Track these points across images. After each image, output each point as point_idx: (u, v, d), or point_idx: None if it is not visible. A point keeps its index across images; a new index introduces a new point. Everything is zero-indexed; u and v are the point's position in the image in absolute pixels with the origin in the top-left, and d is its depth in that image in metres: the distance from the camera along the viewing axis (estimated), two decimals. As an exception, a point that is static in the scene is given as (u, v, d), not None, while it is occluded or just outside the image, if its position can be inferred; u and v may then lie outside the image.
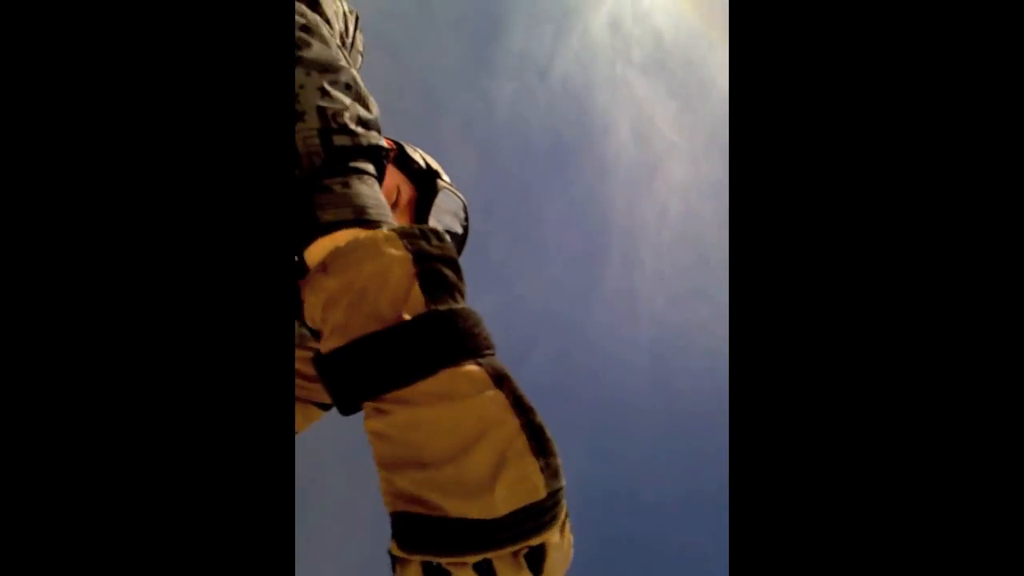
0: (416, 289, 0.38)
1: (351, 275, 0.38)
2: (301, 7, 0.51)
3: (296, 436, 0.50)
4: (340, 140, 0.43)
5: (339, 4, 0.64)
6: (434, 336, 0.37)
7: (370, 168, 0.45)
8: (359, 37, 0.71)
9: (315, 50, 0.47)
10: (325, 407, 0.50)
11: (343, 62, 0.48)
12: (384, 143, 0.47)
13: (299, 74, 0.44)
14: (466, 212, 0.79)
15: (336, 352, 0.38)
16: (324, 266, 0.39)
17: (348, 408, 0.39)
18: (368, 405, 0.38)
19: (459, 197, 0.78)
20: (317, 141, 0.42)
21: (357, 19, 0.70)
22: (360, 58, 0.73)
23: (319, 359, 0.40)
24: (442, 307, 0.38)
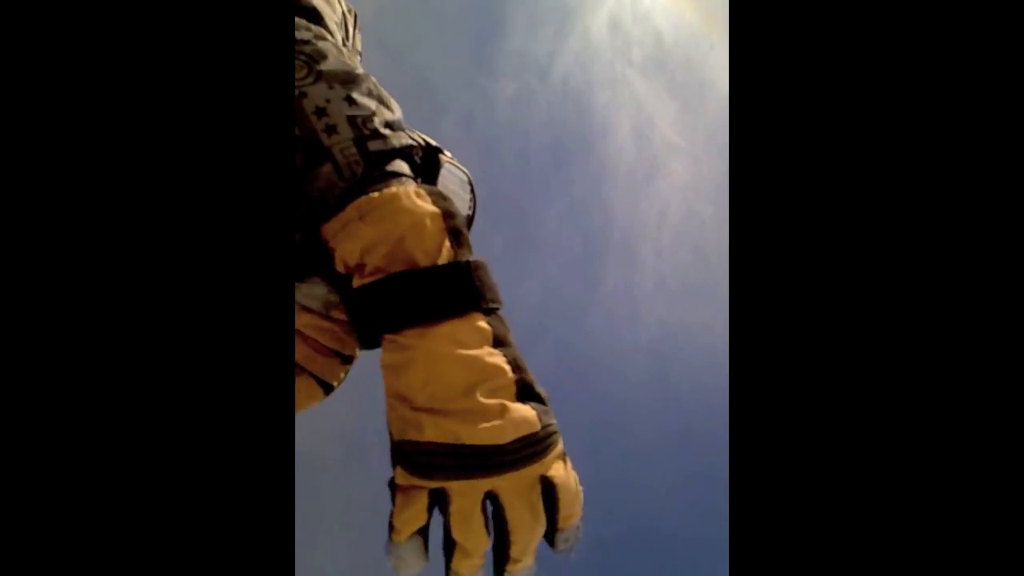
0: (447, 242, 0.43)
1: (389, 225, 0.42)
2: (303, 21, 0.51)
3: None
4: (375, 145, 0.45)
5: (339, 5, 0.63)
6: (459, 283, 0.42)
7: (405, 168, 0.48)
8: (358, 37, 0.71)
9: (331, 62, 0.48)
10: (328, 389, 0.51)
11: (360, 69, 0.50)
12: (412, 140, 0.50)
13: (322, 89, 0.46)
14: (472, 185, 0.80)
15: (371, 285, 0.42)
16: (361, 215, 0.43)
17: (370, 340, 0.44)
18: (388, 338, 0.42)
19: (463, 171, 0.79)
20: (355, 150, 0.45)
21: (356, 18, 0.70)
22: (359, 58, 0.73)
23: (351, 293, 0.44)
24: (464, 260, 0.43)
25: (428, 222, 0.43)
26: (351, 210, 0.44)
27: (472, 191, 0.80)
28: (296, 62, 0.46)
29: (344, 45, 0.63)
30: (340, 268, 0.45)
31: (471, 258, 0.43)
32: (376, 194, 0.43)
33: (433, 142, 0.79)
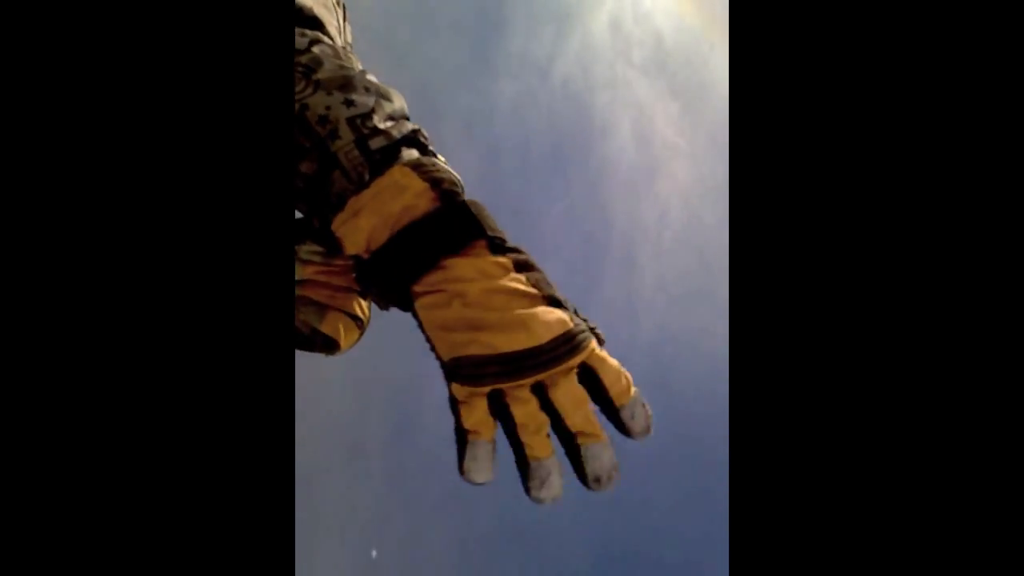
0: (435, 196, 0.46)
1: (384, 214, 0.45)
2: (299, 28, 0.52)
3: (342, 352, 0.53)
4: (376, 143, 0.46)
5: (336, 9, 0.64)
6: (460, 218, 0.45)
7: (414, 154, 0.48)
8: (348, 29, 0.72)
9: (327, 68, 0.49)
10: (359, 322, 0.54)
11: (357, 67, 0.50)
12: (416, 126, 0.51)
13: (322, 97, 0.47)
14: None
15: (380, 249, 0.45)
16: (356, 212, 0.45)
17: (402, 299, 0.46)
18: (417, 290, 0.45)
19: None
20: (357, 152, 0.46)
21: (344, 9, 0.71)
22: (353, 52, 0.73)
23: (363, 266, 0.47)
24: (458, 201, 0.46)
25: (420, 202, 0.45)
26: (348, 208, 0.46)
27: None
28: (294, 74, 0.47)
29: (345, 47, 0.63)
30: (351, 254, 0.48)
31: (466, 199, 0.46)
32: (368, 189, 0.46)
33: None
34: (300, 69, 0.48)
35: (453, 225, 0.45)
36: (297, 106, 0.46)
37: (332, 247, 0.49)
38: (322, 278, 0.50)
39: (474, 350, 0.42)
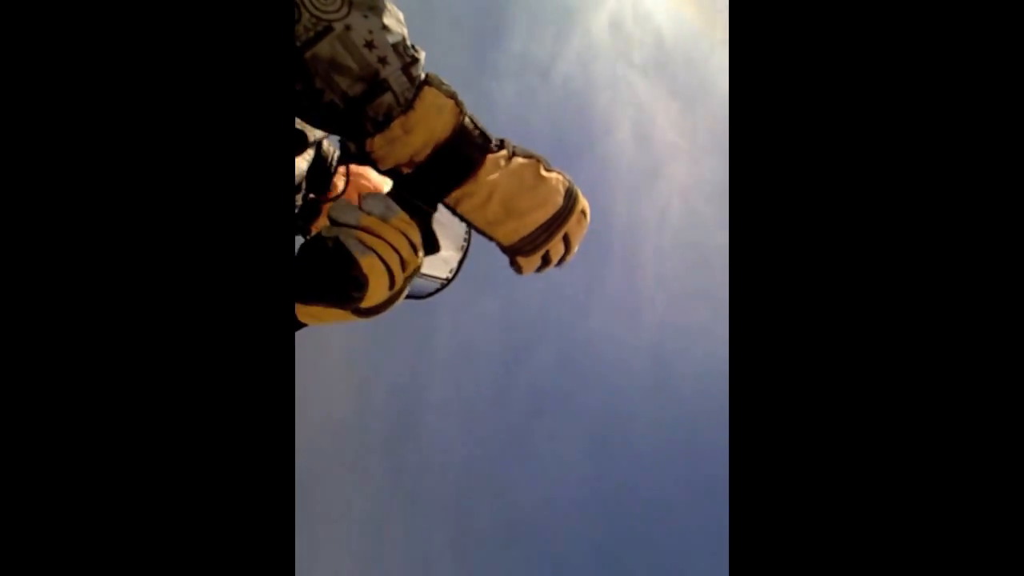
0: (465, 122, 0.57)
1: (427, 131, 0.56)
2: None
3: (365, 299, 0.60)
4: (415, 70, 0.56)
5: None
6: (480, 133, 0.58)
7: (426, 74, 0.58)
8: None
9: None
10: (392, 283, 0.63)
11: None
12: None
13: (359, 19, 0.53)
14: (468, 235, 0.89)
15: (424, 163, 0.57)
16: (406, 131, 0.55)
17: (437, 196, 0.59)
18: (456, 195, 0.59)
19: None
20: (404, 79, 0.54)
21: None
22: None
23: (404, 178, 0.58)
24: (469, 123, 0.58)
25: (451, 117, 0.57)
26: (396, 127, 0.56)
27: (468, 240, 0.87)
28: None
29: None
30: (388, 166, 0.58)
31: (469, 118, 0.59)
32: (412, 112, 0.55)
33: None
34: None
35: (475, 141, 0.58)
36: (340, 26, 0.51)
37: (360, 160, 0.59)
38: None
39: (524, 231, 0.59)
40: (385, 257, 0.56)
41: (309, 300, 0.55)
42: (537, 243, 0.60)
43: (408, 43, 0.55)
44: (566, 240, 0.63)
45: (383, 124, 0.55)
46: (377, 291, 0.56)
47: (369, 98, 0.54)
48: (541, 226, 0.60)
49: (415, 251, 0.59)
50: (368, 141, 0.56)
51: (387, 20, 0.54)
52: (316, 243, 0.55)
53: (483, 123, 0.59)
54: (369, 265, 0.55)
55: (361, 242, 0.55)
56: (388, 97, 0.54)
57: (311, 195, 1.04)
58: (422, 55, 0.57)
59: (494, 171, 0.58)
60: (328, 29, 0.51)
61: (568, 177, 0.62)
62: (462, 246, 0.88)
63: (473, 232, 0.89)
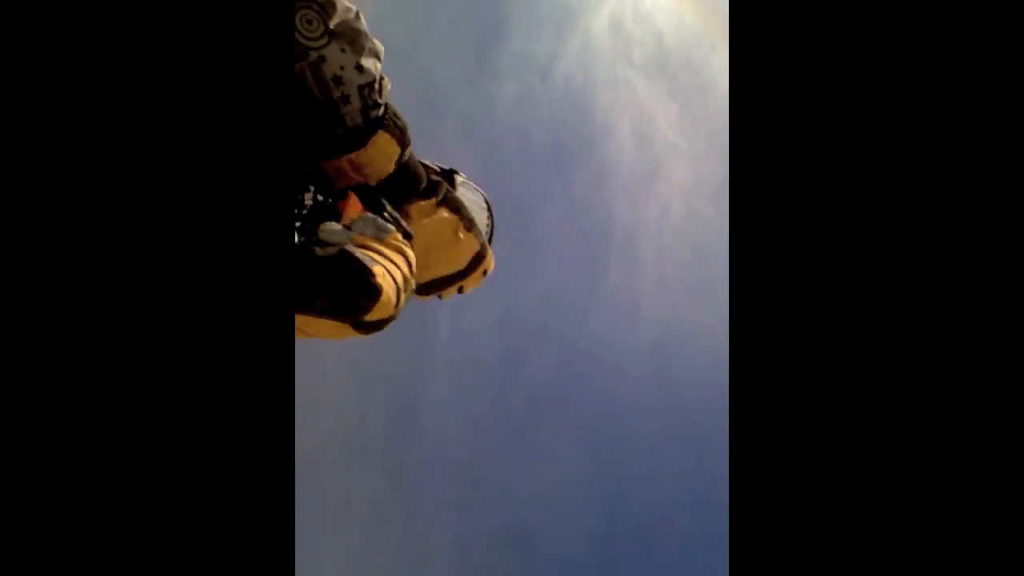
0: (400, 154, 0.62)
1: (376, 172, 0.62)
2: None
3: (382, 300, 0.66)
4: (375, 113, 0.59)
5: None
6: (410, 174, 0.66)
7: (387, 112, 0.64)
8: None
9: (340, 12, 0.55)
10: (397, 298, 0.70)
11: (361, 20, 0.60)
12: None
13: (336, 53, 0.54)
14: (489, 205, 0.90)
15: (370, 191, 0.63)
16: (356, 167, 0.61)
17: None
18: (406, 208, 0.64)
19: (479, 191, 0.87)
20: (360, 119, 0.58)
21: None
22: None
23: (361, 191, 0.63)
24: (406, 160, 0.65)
25: (390, 163, 0.63)
26: (345, 161, 0.60)
27: (490, 211, 0.89)
28: (309, 12, 0.52)
29: None
30: (366, 178, 0.64)
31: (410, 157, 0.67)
32: (363, 151, 0.61)
33: (446, 166, 0.88)
34: (315, 7, 0.53)
35: (406, 180, 0.64)
36: (316, 55, 0.53)
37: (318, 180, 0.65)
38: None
39: (425, 278, 0.65)
40: (391, 271, 0.57)
41: (310, 310, 0.54)
42: (432, 289, 0.69)
43: (377, 86, 0.59)
44: (460, 289, 0.72)
45: (330, 154, 0.59)
46: (386, 303, 0.56)
47: (326, 126, 0.58)
48: (441, 278, 0.68)
49: (412, 270, 0.61)
50: (325, 163, 0.61)
51: (364, 60, 0.56)
52: (321, 255, 0.55)
53: (419, 164, 0.67)
54: (382, 274, 0.56)
55: (367, 255, 0.57)
56: (341, 132, 0.59)
57: (320, 196, 1.05)
58: (387, 90, 0.61)
59: (419, 218, 0.65)
60: (304, 55, 0.54)
61: (483, 240, 0.71)
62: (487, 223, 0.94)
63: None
